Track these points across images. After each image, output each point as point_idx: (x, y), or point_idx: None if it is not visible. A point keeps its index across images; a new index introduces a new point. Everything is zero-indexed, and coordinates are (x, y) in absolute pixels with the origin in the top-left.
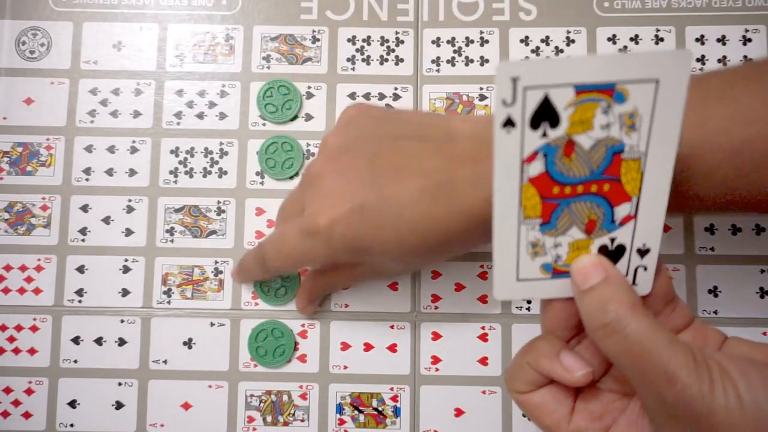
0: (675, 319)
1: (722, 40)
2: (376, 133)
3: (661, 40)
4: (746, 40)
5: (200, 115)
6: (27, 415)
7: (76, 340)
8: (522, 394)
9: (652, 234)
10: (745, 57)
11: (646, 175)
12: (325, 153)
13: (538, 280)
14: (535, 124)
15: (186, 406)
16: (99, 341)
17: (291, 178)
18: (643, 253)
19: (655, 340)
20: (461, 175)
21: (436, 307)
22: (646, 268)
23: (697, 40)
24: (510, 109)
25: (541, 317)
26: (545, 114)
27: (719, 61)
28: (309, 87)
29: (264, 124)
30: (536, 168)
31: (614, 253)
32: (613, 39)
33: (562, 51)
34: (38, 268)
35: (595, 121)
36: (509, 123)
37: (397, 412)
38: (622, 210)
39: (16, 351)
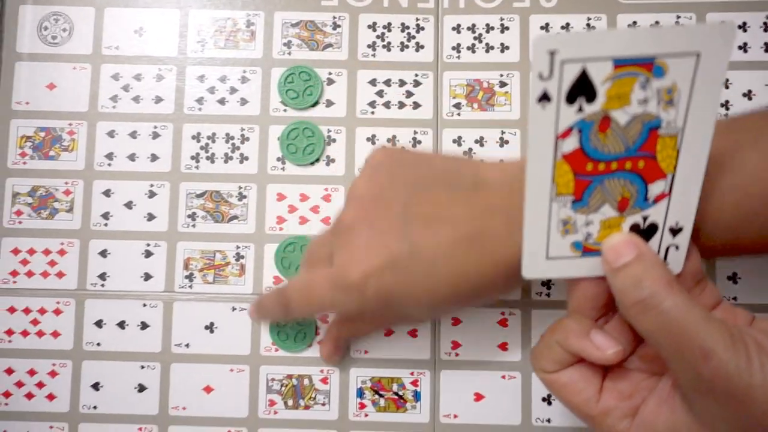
0: (705, 298)
1: (743, 27)
2: (406, 181)
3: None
4: (767, 27)
5: (221, 101)
6: (51, 397)
7: (99, 324)
8: (549, 374)
9: (686, 212)
10: (766, 44)
11: (682, 151)
12: (356, 202)
13: (568, 259)
14: (571, 98)
15: (208, 389)
16: (122, 325)
17: (312, 163)
18: (675, 232)
19: (692, 316)
20: (492, 225)
21: None
22: (678, 248)
23: None
24: (546, 83)
25: (569, 297)
26: (582, 88)
27: (740, 48)
28: (330, 73)
29: (285, 110)
30: (570, 144)
31: (646, 232)
32: (633, 26)
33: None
34: (61, 252)
35: (632, 96)
36: (545, 98)
37: (417, 396)
38: (656, 187)
39: (40, 334)
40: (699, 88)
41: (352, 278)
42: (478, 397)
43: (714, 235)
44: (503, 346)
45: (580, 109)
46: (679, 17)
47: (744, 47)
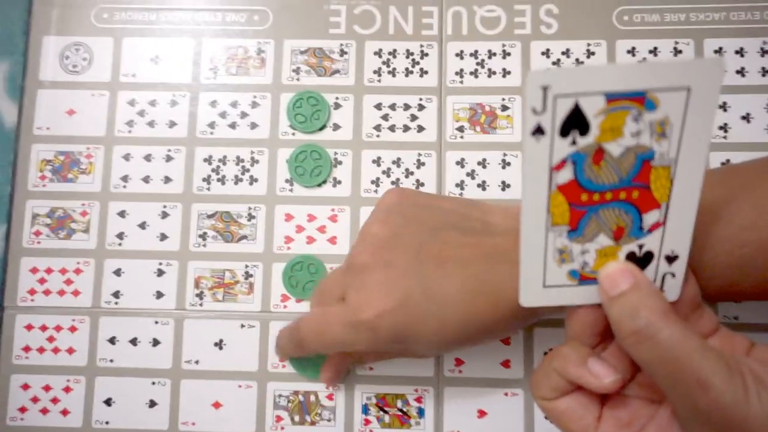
0: (702, 325)
1: (740, 52)
2: (420, 222)
3: (680, 52)
4: (764, 52)
5: (232, 125)
6: (65, 413)
7: (112, 341)
8: (548, 401)
9: (681, 240)
10: (763, 68)
11: (676, 182)
12: (370, 242)
13: (565, 287)
14: (564, 132)
15: (216, 405)
16: (134, 341)
17: (319, 185)
18: (671, 259)
19: (688, 347)
20: (500, 270)
21: None
22: (674, 275)
23: (715, 52)
24: (540, 117)
25: (567, 324)
26: (575, 122)
27: (737, 72)
28: (337, 98)
29: (293, 134)
30: (565, 175)
31: (642, 260)
32: (632, 51)
33: (582, 63)
34: (77, 271)
35: (625, 129)
36: (539, 131)
37: (421, 413)
38: (650, 217)
39: (56, 350)
40: (691, 121)
41: (366, 317)
42: (482, 413)
43: (711, 283)
44: (506, 364)
45: (574, 142)
46: (677, 42)
47: (742, 71)
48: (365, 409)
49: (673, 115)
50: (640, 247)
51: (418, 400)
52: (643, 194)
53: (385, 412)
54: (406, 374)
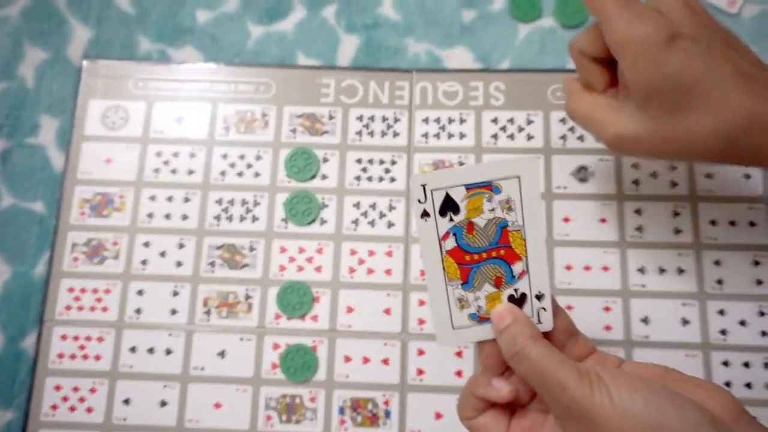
0: (578, 349)
1: None
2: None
3: None
4: None
5: (240, 174)
6: (90, 410)
7: (133, 350)
8: (469, 420)
9: (543, 283)
10: None
11: (527, 240)
12: None
13: (468, 327)
14: (443, 213)
15: (217, 405)
16: (151, 351)
17: (309, 223)
18: (540, 297)
19: (550, 360)
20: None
21: (422, 329)
22: (545, 309)
23: None
24: (424, 205)
25: (479, 355)
26: (449, 206)
27: None
28: (325, 153)
29: (289, 182)
30: (450, 243)
31: (519, 300)
32: (563, 121)
33: (523, 129)
34: (107, 291)
35: (484, 207)
36: (425, 214)
37: (388, 414)
38: (517, 267)
39: (85, 357)
40: (526, 197)
41: None
42: (438, 415)
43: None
44: (459, 373)
45: (451, 219)
46: None
47: None
48: (341, 410)
49: (513, 195)
50: (516, 290)
51: (386, 403)
52: (507, 252)
53: (358, 413)
54: (376, 381)
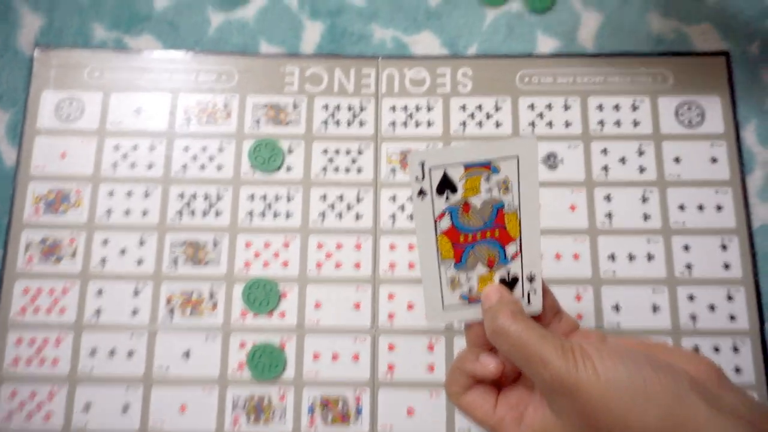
0: (563, 326)
1: (617, 107)
2: None
3: (569, 107)
4: (635, 108)
5: (202, 167)
6: (47, 417)
7: (92, 352)
8: (457, 396)
9: (535, 265)
10: (634, 120)
11: (522, 221)
12: None
13: (458, 307)
14: (440, 192)
15: (182, 408)
16: (112, 353)
17: (273, 217)
18: (531, 279)
19: (531, 336)
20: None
21: (392, 324)
22: (536, 291)
23: (597, 107)
24: (421, 183)
25: (466, 334)
26: (446, 185)
27: (615, 123)
28: (290, 144)
29: (254, 174)
30: (445, 223)
31: (511, 283)
32: (531, 107)
33: (491, 116)
34: (64, 291)
35: (481, 187)
36: (422, 193)
37: (359, 411)
38: (510, 249)
39: (42, 361)
40: (523, 178)
41: None
42: (410, 410)
43: None
44: (431, 368)
45: (448, 198)
46: (567, 99)
47: (618, 123)
48: (311, 409)
49: (511, 175)
50: (508, 272)
51: (357, 399)
52: (502, 233)
53: (329, 411)
54: (346, 377)
